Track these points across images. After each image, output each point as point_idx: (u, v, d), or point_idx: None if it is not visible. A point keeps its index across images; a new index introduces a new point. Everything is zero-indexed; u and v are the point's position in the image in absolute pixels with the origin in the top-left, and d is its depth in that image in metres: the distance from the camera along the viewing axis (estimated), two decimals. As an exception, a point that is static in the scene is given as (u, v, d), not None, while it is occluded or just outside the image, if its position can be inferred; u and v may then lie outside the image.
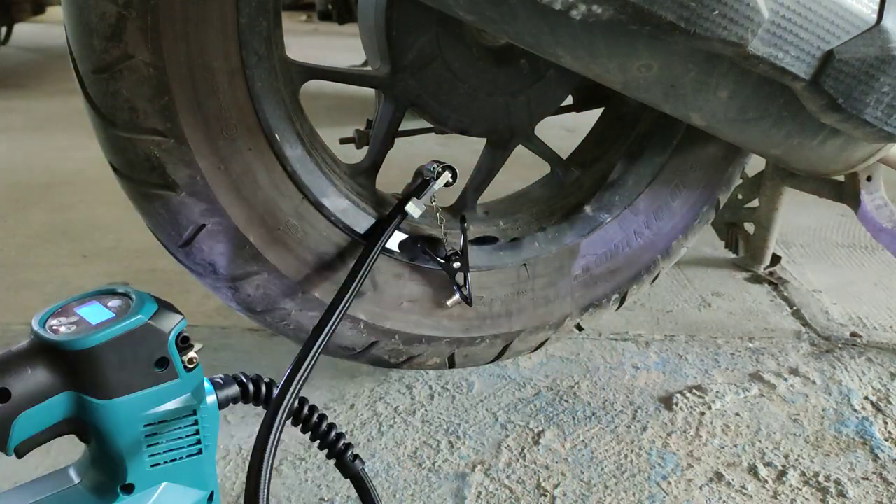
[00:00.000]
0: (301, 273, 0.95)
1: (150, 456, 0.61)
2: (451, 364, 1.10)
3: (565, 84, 1.09)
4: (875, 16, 0.73)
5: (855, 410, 1.11)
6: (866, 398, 1.14)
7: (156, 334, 0.59)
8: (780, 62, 0.72)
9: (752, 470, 0.98)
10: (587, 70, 0.80)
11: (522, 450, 1.01)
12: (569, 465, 0.98)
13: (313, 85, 1.01)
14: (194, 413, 0.62)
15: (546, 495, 0.93)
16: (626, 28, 0.67)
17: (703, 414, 1.10)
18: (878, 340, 1.33)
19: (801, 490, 0.95)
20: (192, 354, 0.61)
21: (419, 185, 0.98)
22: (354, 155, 1.09)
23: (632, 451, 1.02)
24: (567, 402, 1.12)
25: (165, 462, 0.62)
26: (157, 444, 0.61)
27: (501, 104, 1.06)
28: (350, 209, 0.98)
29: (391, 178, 1.13)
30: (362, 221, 0.98)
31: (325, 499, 0.91)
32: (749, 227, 1.65)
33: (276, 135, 0.89)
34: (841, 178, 1.41)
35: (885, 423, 1.08)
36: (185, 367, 0.61)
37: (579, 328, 1.18)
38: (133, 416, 0.59)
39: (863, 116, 0.77)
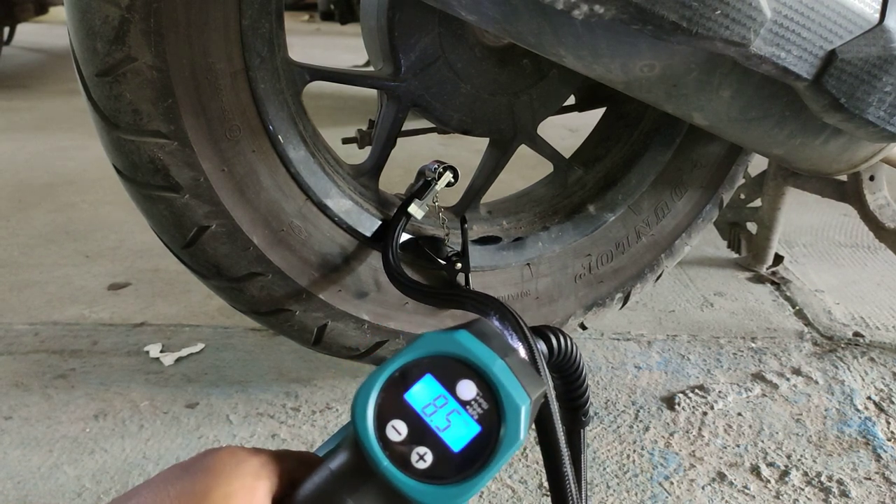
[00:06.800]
0: (305, 274, 0.95)
1: None
2: (455, 364, 1.10)
3: (568, 84, 1.09)
4: (877, 15, 0.73)
5: (857, 410, 1.11)
6: (869, 398, 1.14)
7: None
8: (782, 62, 0.71)
9: (755, 470, 0.98)
10: (589, 70, 0.80)
11: (524, 449, 1.01)
12: (571, 464, 0.99)
13: (315, 85, 1.01)
14: None
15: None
16: (628, 28, 0.67)
17: (705, 414, 1.10)
18: (880, 340, 1.33)
19: (803, 490, 0.95)
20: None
21: (421, 185, 0.98)
22: (357, 155, 1.09)
23: (634, 451, 1.02)
24: (570, 401, 1.12)
25: None
26: None
27: (504, 104, 1.06)
28: (353, 210, 0.98)
29: (394, 178, 1.13)
30: (366, 222, 0.98)
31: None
32: (751, 226, 1.65)
33: (280, 136, 0.89)
34: (843, 177, 1.41)
35: (888, 422, 1.08)
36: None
37: (583, 327, 1.18)
38: None
39: (865, 116, 0.77)
